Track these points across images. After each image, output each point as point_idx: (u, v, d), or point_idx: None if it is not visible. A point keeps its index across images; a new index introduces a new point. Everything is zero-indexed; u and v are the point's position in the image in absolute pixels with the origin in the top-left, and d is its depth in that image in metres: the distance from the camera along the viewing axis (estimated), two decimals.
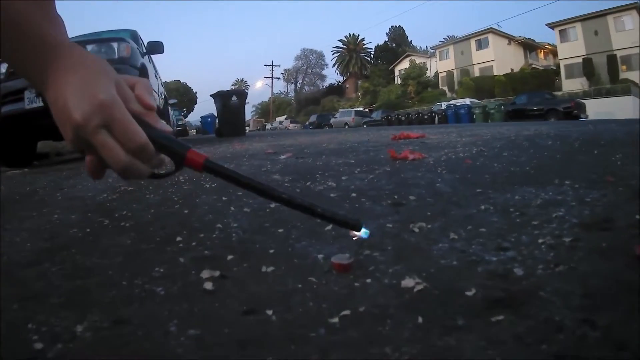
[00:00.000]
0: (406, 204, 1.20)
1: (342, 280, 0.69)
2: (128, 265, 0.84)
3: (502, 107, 18.32)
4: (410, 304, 0.59)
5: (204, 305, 0.63)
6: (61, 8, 0.54)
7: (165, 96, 8.20)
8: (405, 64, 41.38)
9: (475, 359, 0.45)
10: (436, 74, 39.25)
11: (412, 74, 38.62)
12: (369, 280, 0.67)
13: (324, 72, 58.57)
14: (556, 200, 1.10)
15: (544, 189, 1.23)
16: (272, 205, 1.21)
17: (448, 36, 44.70)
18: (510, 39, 35.04)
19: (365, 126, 20.30)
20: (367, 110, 31.35)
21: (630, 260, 0.67)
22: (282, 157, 2.82)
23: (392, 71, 44.08)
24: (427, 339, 0.49)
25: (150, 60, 5.92)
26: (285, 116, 45.95)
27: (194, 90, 52.62)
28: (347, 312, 0.57)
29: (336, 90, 51.24)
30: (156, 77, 6.38)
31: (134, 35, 5.35)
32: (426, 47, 50.11)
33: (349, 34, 51.93)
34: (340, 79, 53.36)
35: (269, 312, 0.59)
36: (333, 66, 54.55)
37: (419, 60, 41.12)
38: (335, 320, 0.55)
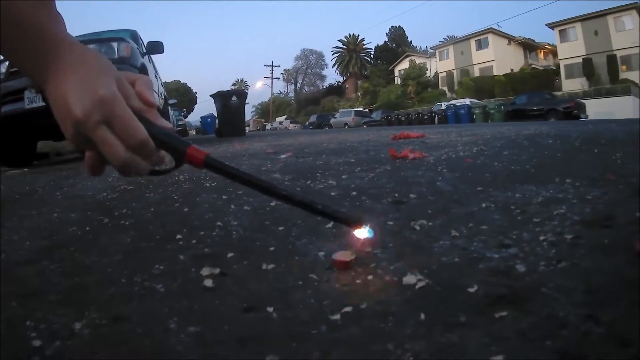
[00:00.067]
0: (407, 202, 1.19)
1: (343, 277, 0.68)
2: (127, 263, 0.83)
3: (502, 107, 18.33)
4: (413, 300, 0.58)
5: (204, 302, 0.63)
6: (61, 8, 0.54)
7: (165, 96, 8.21)
8: (405, 64, 41.40)
9: (478, 355, 0.44)
10: (436, 74, 39.27)
11: (412, 74, 38.65)
12: (370, 277, 0.67)
13: (323, 72, 58.79)
14: (557, 198, 1.09)
15: (545, 187, 1.23)
16: (273, 203, 1.20)
17: (448, 36, 44.82)
18: (510, 39, 35.06)
19: (365, 126, 20.30)
20: (367, 110, 31.34)
21: (631, 257, 0.67)
22: (282, 156, 2.82)
23: (392, 71, 44.10)
24: (430, 336, 0.49)
25: (150, 60, 5.92)
26: (285, 116, 45.97)
27: (194, 91, 52.77)
28: (348, 309, 0.56)
29: (336, 90, 51.27)
30: (156, 77, 6.38)
31: (134, 35, 5.36)
32: (426, 47, 50.24)
33: (349, 34, 52.05)
34: (340, 79, 53.49)
35: (270, 309, 0.58)
36: (333, 66, 54.71)
37: (418, 61, 41.15)
38: (337, 317, 0.55)
